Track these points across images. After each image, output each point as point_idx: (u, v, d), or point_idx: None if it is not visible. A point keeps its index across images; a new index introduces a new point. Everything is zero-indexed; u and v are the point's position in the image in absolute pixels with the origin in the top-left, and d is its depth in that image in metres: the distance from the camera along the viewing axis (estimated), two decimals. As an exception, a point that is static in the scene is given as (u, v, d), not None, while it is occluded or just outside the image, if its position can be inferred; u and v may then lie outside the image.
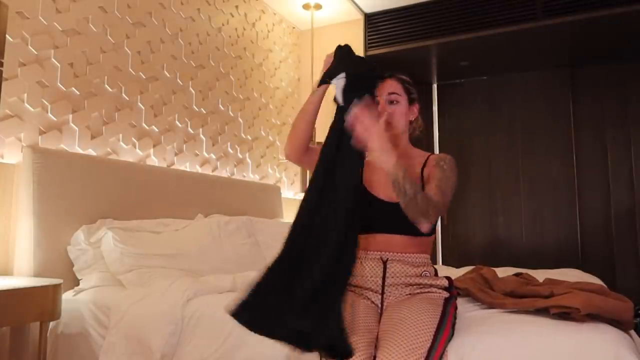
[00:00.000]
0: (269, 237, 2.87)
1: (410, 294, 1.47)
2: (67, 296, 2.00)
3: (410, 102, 1.63)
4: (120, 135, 2.57)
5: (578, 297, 1.35)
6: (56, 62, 2.26)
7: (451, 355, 1.28)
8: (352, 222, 1.32)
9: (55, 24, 2.27)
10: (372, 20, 4.06)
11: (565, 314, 1.33)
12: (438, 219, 1.46)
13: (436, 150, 4.60)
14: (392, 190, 1.40)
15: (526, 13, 3.46)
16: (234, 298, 1.23)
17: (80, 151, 2.35)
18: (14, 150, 2.07)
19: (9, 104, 2.05)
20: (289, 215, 3.88)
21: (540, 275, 2.14)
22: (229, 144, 3.39)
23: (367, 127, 1.34)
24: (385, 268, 1.49)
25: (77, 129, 2.35)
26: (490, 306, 1.57)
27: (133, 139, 2.65)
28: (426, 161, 1.61)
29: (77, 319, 1.93)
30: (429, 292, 1.49)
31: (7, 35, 1.90)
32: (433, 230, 1.55)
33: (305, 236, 1.32)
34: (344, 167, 1.36)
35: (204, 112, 3.18)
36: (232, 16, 3.52)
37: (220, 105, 3.34)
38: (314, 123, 1.57)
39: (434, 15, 3.79)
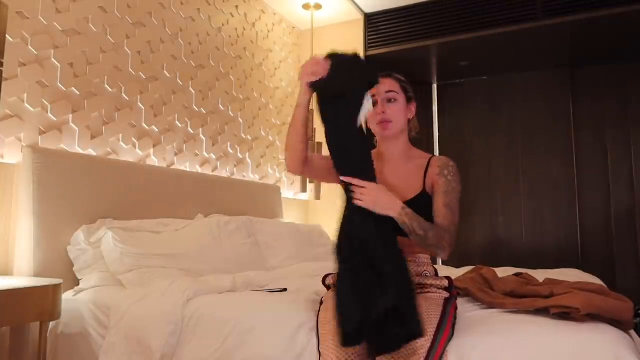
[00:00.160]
0: (269, 237, 2.87)
1: (410, 294, 1.47)
2: (67, 296, 2.00)
3: (408, 100, 1.63)
4: (120, 135, 2.57)
5: (578, 297, 1.35)
6: (56, 62, 2.26)
7: (451, 356, 1.28)
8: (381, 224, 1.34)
9: (55, 24, 2.27)
10: (372, 20, 4.06)
11: (565, 314, 1.33)
12: (454, 242, 1.46)
13: (436, 150, 4.60)
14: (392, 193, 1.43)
15: (526, 13, 3.46)
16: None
17: (80, 151, 2.35)
18: (14, 150, 2.07)
19: (9, 104, 2.05)
20: (289, 215, 3.88)
21: (540, 275, 2.14)
22: (229, 144, 3.39)
23: (365, 193, 1.35)
24: (385, 268, 1.48)
25: (77, 129, 2.35)
26: (490, 306, 1.57)
27: (133, 139, 2.65)
28: (428, 164, 1.60)
29: (77, 319, 1.93)
30: (429, 292, 1.49)
31: (7, 35, 1.90)
32: None
33: (352, 250, 1.30)
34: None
35: (204, 112, 3.18)
36: (232, 16, 3.52)
37: (220, 105, 3.34)
38: (306, 134, 1.53)
39: (434, 15, 3.79)
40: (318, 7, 3.92)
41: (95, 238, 2.10)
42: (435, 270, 1.57)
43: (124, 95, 2.60)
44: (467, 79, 4.54)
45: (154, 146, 2.78)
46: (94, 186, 2.26)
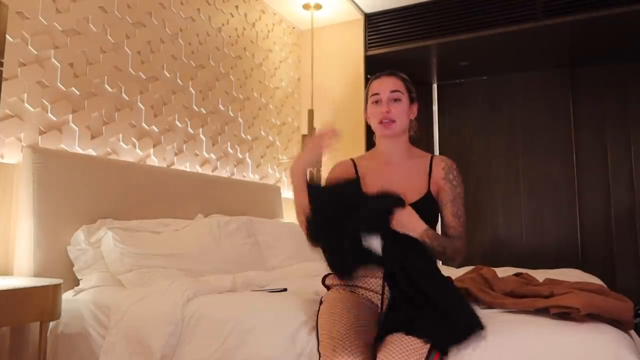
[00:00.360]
0: (269, 237, 2.87)
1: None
2: (67, 296, 2.00)
3: (411, 101, 1.63)
4: (120, 135, 2.57)
5: (578, 297, 1.35)
6: (56, 62, 2.26)
7: (452, 356, 1.28)
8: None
9: (55, 24, 2.27)
10: (372, 20, 4.06)
11: (565, 314, 1.33)
12: (467, 244, 1.55)
13: (436, 150, 4.60)
14: None
15: (526, 13, 3.46)
16: None
17: (80, 151, 2.35)
18: (14, 150, 2.07)
19: (9, 104, 2.05)
20: (289, 215, 3.88)
21: (540, 275, 2.14)
22: (229, 144, 3.39)
23: (402, 224, 1.42)
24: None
25: (77, 129, 2.35)
26: (490, 306, 1.57)
27: (133, 139, 2.65)
28: (431, 165, 1.60)
29: (77, 319, 1.93)
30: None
31: (7, 35, 1.90)
32: None
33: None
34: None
35: (204, 112, 3.18)
36: (232, 16, 3.52)
37: (220, 105, 3.34)
38: None
39: (434, 15, 3.79)
40: (318, 7, 3.92)
41: (95, 238, 2.10)
42: (436, 271, 1.57)
43: (124, 95, 2.60)
44: (467, 79, 4.54)
45: (154, 146, 2.78)
46: (94, 186, 2.26)
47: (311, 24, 4.00)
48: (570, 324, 1.30)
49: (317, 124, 3.93)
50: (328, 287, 1.64)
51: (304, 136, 3.59)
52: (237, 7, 3.57)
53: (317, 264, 2.67)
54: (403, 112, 1.59)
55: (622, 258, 3.88)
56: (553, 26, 3.41)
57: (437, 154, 4.54)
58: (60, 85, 2.28)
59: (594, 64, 4.08)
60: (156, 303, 1.77)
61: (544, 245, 4.11)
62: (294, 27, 4.32)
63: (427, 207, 1.53)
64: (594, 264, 3.86)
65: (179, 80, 2.97)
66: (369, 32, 4.07)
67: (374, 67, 3.96)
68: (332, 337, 1.28)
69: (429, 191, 1.55)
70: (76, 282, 2.12)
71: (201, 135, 3.14)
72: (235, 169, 3.44)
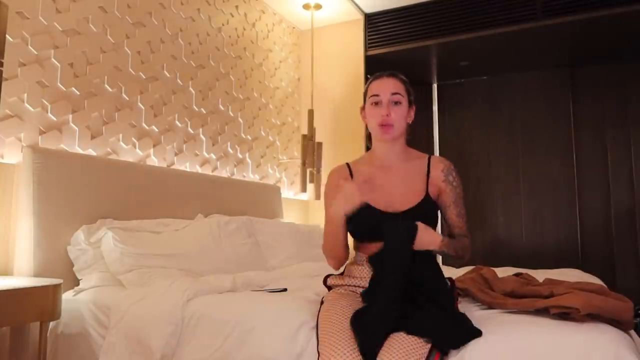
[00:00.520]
0: (269, 237, 2.87)
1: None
2: (67, 296, 2.00)
3: (409, 104, 1.61)
4: (120, 135, 2.57)
5: (578, 297, 1.35)
6: (56, 62, 2.26)
7: (452, 356, 1.28)
8: None
9: (55, 24, 2.27)
10: (372, 20, 4.06)
11: (565, 314, 1.33)
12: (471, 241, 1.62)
13: (436, 150, 4.60)
14: (392, 201, 1.52)
15: (526, 13, 3.46)
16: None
17: (80, 151, 2.35)
18: (14, 150, 2.07)
19: (9, 104, 2.05)
20: (289, 215, 3.88)
21: (540, 275, 2.14)
22: (229, 144, 3.39)
23: (423, 244, 1.43)
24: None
25: (77, 129, 2.35)
26: (490, 306, 1.57)
27: (133, 139, 2.65)
28: (428, 165, 1.60)
29: (77, 319, 1.93)
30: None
31: (7, 35, 1.89)
32: None
33: None
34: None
35: (204, 112, 3.18)
36: (232, 16, 3.52)
37: (220, 105, 3.34)
38: (346, 241, 1.59)
39: (434, 15, 3.79)
40: (318, 7, 3.92)
41: (95, 238, 2.10)
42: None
43: (124, 95, 2.60)
44: (467, 79, 4.54)
45: (154, 146, 2.78)
46: (94, 186, 2.26)
47: (311, 24, 4.00)
48: (570, 324, 1.30)
49: (317, 124, 3.93)
50: (329, 287, 1.64)
51: (303, 136, 3.59)
52: (237, 7, 3.57)
53: (317, 264, 2.68)
54: (402, 116, 1.58)
55: (622, 258, 3.88)
56: (553, 26, 3.41)
57: (437, 154, 4.55)
58: (60, 85, 2.28)
59: (594, 64, 4.08)
60: (156, 303, 1.77)
61: (544, 245, 4.11)
62: (294, 27, 4.32)
63: (427, 210, 1.53)
64: (594, 264, 3.86)
65: (179, 80, 2.97)
66: (369, 32, 4.07)
67: (374, 67, 3.96)
68: (331, 336, 1.28)
69: (427, 193, 1.55)
70: (76, 282, 2.12)
71: (201, 135, 3.14)
72: (235, 169, 3.44)
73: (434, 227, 1.54)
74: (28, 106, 2.13)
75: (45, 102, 2.21)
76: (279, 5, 3.96)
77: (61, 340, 1.95)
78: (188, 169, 3.01)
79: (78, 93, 2.36)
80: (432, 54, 4.01)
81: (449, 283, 1.52)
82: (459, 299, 1.66)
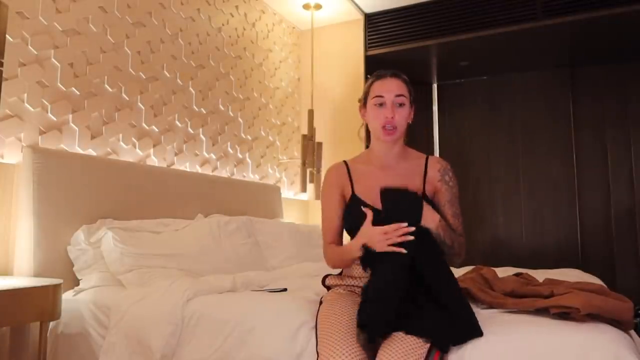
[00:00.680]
0: (269, 237, 2.87)
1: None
2: (67, 296, 2.00)
3: (410, 104, 1.61)
4: (120, 135, 2.57)
5: (578, 297, 1.35)
6: (56, 62, 2.26)
7: (451, 356, 1.28)
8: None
9: (55, 24, 2.27)
10: (372, 20, 4.06)
11: (565, 314, 1.33)
12: (464, 250, 1.55)
13: (436, 150, 4.60)
14: None
15: (526, 13, 3.46)
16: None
17: (80, 151, 2.35)
18: (14, 150, 2.07)
19: (9, 104, 2.05)
20: (289, 215, 3.88)
21: (540, 275, 2.14)
22: (229, 144, 3.39)
23: (426, 218, 1.42)
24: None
25: (77, 129, 2.35)
26: (490, 306, 1.57)
27: (133, 139, 2.65)
28: (426, 165, 1.60)
29: (77, 319, 1.93)
30: (429, 292, 1.49)
31: (7, 35, 1.89)
32: None
33: None
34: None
35: (204, 112, 3.18)
36: (232, 16, 3.52)
37: (220, 105, 3.34)
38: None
39: (434, 15, 3.79)
40: (318, 7, 3.92)
41: (95, 238, 2.10)
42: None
43: (124, 95, 2.60)
44: (467, 79, 4.54)
45: (154, 146, 2.78)
46: (94, 186, 2.26)
47: (311, 24, 4.00)
48: (570, 324, 1.30)
49: (317, 124, 3.93)
50: (328, 288, 1.64)
51: (303, 136, 3.59)
52: (237, 7, 3.57)
53: (317, 264, 2.68)
54: (405, 118, 1.57)
55: (622, 258, 3.88)
56: (553, 26, 3.41)
57: (437, 154, 4.55)
58: (60, 85, 2.28)
59: (594, 64, 4.07)
60: (156, 303, 1.77)
61: (544, 245, 4.11)
62: (294, 27, 4.32)
63: None
64: (594, 264, 3.85)
65: (179, 80, 2.97)
66: (369, 32, 4.07)
67: (374, 67, 3.95)
68: (330, 337, 1.28)
69: (424, 193, 1.55)
70: (76, 282, 2.12)
71: (201, 135, 3.14)
72: (235, 169, 3.44)
73: None
74: (28, 106, 2.13)
75: (45, 102, 2.21)
76: (279, 5, 3.95)
77: (61, 340, 1.95)
78: (188, 169, 3.01)
79: (78, 93, 2.36)
80: (432, 54, 4.00)
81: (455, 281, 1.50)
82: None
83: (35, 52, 2.17)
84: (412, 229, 1.36)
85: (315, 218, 4.10)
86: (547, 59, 4.07)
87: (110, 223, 2.18)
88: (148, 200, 2.53)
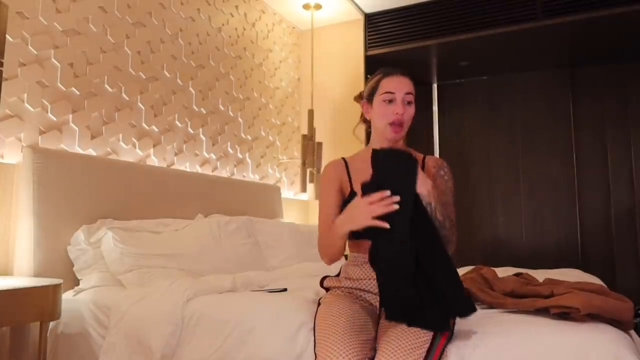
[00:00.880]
0: (269, 237, 2.87)
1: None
2: (67, 296, 2.00)
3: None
4: (120, 135, 2.57)
5: (578, 297, 1.35)
6: (56, 62, 2.26)
7: (452, 356, 1.28)
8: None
9: (55, 24, 2.27)
10: (372, 20, 4.06)
11: (565, 314, 1.33)
12: (456, 238, 1.47)
13: (436, 150, 4.60)
14: None
15: (526, 13, 3.46)
16: None
17: (80, 151, 2.35)
18: (14, 150, 2.07)
19: (9, 104, 2.05)
20: (289, 215, 3.88)
21: (540, 275, 2.14)
22: (229, 144, 3.39)
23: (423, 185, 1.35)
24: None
25: (77, 129, 2.35)
26: (490, 306, 1.57)
27: (133, 139, 2.65)
28: (423, 164, 1.60)
29: (77, 319, 1.93)
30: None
31: (7, 35, 1.90)
32: None
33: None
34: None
35: (204, 112, 3.18)
36: (232, 16, 3.52)
37: (220, 105, 3.34)
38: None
39: (434, 15, 3.79)
40: (318, 7, 3.92)
41: (95, 238, 2.10)
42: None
43: (124, 95, 2.60)
44: (467, 79, 4.54)
45: (154, 146, 2.78)
46: (94, 186, 2.26)
47: (311, 24, 4.01)
48: (570, 324, 1.30)
49: (317, 124, 3.93)
50: (326, 289, 1.64)
51: (303, 136, 3.59)
52: (237, 7, 3.57)
53: (317, 264, 2.68)
54: (411, 117, 1.55)
55: (622, 258, 3.88)
56: (553, 26, 3.41)
57: (437, 154, 4.56)
58: (60, 85, 2.28)
59: (594, 64, 4.08)
60: (156, 303, 1.77)
61: (544, 245, 4.11)
62: (294, 27, 4.32)
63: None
64: (594, 264, 3.86)
65: (179, 80, 2.97)
66: (369, 32, 4.07)
67: (374, 67, 3.95)
68: (328, 338, 1.27)
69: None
70: (76, 282, 2.12)
71: (201, 135, 3.14)
72: (235, 169, 3.44)
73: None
74: (28, 106, 2.13)
75: (45, 102, 2.21)
76: (279, 5, 3.95)
77: (61, 340, 1.95)
78: (188, 169, 3.01)
79: (78, 93, 2.36)
80: (432, 54, 4.00)
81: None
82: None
83: (35, 52, 2.17)
84: (397, 198, 1.25)
85: (315, 218, 4.10)
86: (547, 59, 4.07)
87: (110, 223, 2.18)
88: (148, 200, 2.53)
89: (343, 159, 1.69)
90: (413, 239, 1.27)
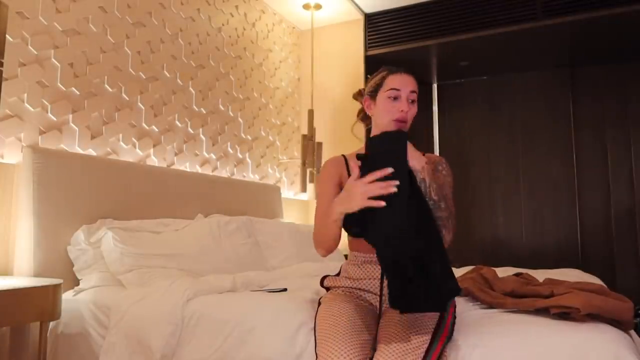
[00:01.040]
0: (269, 237, 2.87)
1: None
2: (67, 296, 2.00)
3: None
4: (120, 135, 2.57)
5: (578, 297, 1.35)
6: (56, 62, 2.26)
7: (451, 356, 1.28)
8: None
9: (55, 24, 2.27)
10: (372, 20, 4.06)
11: (565, 314, 1.33)
12: (454, 224, 1.42)
13: (436, 150, 4.60)
14: None
15: (526, 13, 3.46)
16: None
17: (80, 151, 2.35)
18: (14, 150, 2.07)
19: (9, 104, 2.05)
20: (289, 215, 3.88)
21: (540, 275, 2.14)
22: (229, 144, 3.39)
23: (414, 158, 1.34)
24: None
25: (77, 129, 2.35)
26: (490, 306, 1.57)
27: (133, 139, 2.65)
28: None
29: (77, 319, 1.93)
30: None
31: (7, 35, 1.90)
32: None
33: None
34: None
35: (204, 112, 3.18)
36: (232, 16, 3.52)
37: (220, 105, 3.34)
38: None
39: (434, 15, 3.79)
40: (318, 7, 3.92)
41: (95, 238, 2.10)
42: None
43: (124, 95, 2.60)
44: (467, 79, 4.54)
45: (154, 146, 2.78)
46: (94, 186, 2.26)
47: (311, 24, 4.01)
48: (570, 324, 1.30)
49: (317, 124, 3.93)
50: (327, 289, 1.64)
51: (303, 136, 3.59)
52: (237, 7, 3.57)
53: (317, 264, 2.68)
54: (414, 115, 1.55)
55: (622, 258, 3.88)
56: (553, 26, 3.41)
57: (437, 154, 4.55)
58: (60, 85, 2.28)
59: (594, 64, 4.07)
60: (156, 303, 1.77)
61: (544, 245, 4.11)
62: (294, 27, 4.32)
63: None
64: (594, 264, 3.86)
65: (179, 80, 2.97)
66: (369, 32, 4.07)
67: (374, 67, 3.94)
68: (329, 338, 1.27)
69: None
70: (76, 282, 2.12)
71: (201, 135, 3.14)
72: (235, 169, 3.44)
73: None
74: (28, 106, 2.13)
75: (45, 102, 2.21)
76: (279, 5, 3.95)
77: (61, 340, 1.95)
78: (188, 169, 3.01)
79: (78, 93, 2.36)
80: (432, 54, 4.00)
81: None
82: (458, 298, 1.65)
83: (35, 52, 2.17)
84: (396, 182, 1.20)
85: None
86: (547, 59, 4.07)
87: (110, 223, 2.18)
88: (148, 200, 2.53)
89: (343, 155, 1.69)
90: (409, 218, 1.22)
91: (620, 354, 1.17)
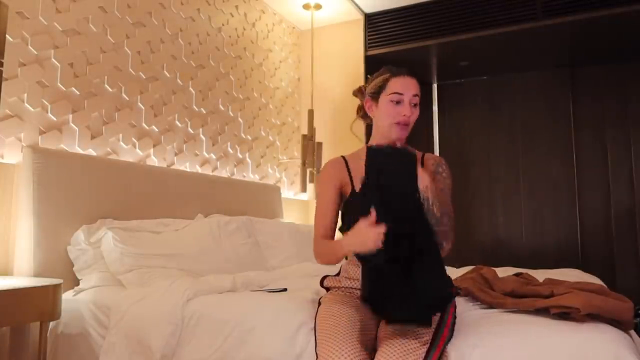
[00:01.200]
0: (269, 237, 2.87)
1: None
2: (67, 296, 2.00)
3: None
4: (120, 135, 2.57)
5: (578, 297, 1.35)
6: (56, 62, 2.26)
7: (451, 355, 1.28)
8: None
9: (55, 24, 2.27)
10: (372, 20, 4.06)
11: (565, 314, 1.33)
12: (453, 235, 1.44)
13: (436, 150, 4.60)
14: None
15: (526, 13, 3.46)
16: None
17: (80, 151, 2.35)
18: (14, 150, 2.07)
19: (9, 104, 2.05)
20: (289, 215, 3.88)
21: (540, 275, 2.14)
22: (229, 144, 3.39)
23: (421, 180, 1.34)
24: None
25: (77, 129, 2.35)
26: (490, 306, 1.57)
27: (133, 139, 2.65)
28: (422, 161, 1.60)
29: (77, 319, 1.93)
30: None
31: (7, 35, 1.90)
32: None
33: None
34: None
35: (204, 112, 3.18)
36: (232, 16, 3.52)
37: (220, 105, 3.34)
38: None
39: (434, 15, 3.79)
40: (318, 7, 3.92)
41: (95, 238, 2.10)
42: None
43: (124, 95, 2.60)
44: (467, 79, 4.54)
45: (154, 146, 2.78)
46: (94, 186, 2.26)
47: (311, 24, 4.00)
48: (570, 324, 1.30)
49: (317, 124, 3.93)
50: (327, 289, 1.64)
51: (303, 136, 3.59)
52: (237, 7, 3.57)
53: (317, 264, 2.67)
54: (416, 118, 1.55)
55: (622, 258, 3.88)
56: (553, 26, 3.41)
57: (437, 154, 4.55)
58: (60, 85, 2.28)
59: (594, 64, 4.07)
60: (156, 303, 1.77)
61: (544, 245, 4.11)
62: (294, 27, 4.32)
63: None
64: (594, 264, 3.85)
65: (179, 80, 2.97)
66: (369, 32, 4.07)
67: (374, 67, 3.94)
68: (329, 338, 1.27)
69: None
70: (76, 282, 2.12)
71: (201, 135, 3.14)
72: (235, 169, 3.44)
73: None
74: (28, 106, 2.13)
75: (45, 102, 2.21)
76: (279, 5, 3.95)
77: (61, 340, 1.95)
78: (188, 169, 3.01)
79: (78, 93, 2.36)
80: (432, 54, 4.00)
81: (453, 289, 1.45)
82: (458, 298, 1.65)
83: (35, 52, 2.17)
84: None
85: (315, 218, 4.10)
86: (547, 59, 4.07)
87: (110, 223, 2.18)
88: (148, 200, 2.53)
89: (342, 157, 1.68)
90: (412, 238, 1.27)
91: (620, 354, 1.17)
